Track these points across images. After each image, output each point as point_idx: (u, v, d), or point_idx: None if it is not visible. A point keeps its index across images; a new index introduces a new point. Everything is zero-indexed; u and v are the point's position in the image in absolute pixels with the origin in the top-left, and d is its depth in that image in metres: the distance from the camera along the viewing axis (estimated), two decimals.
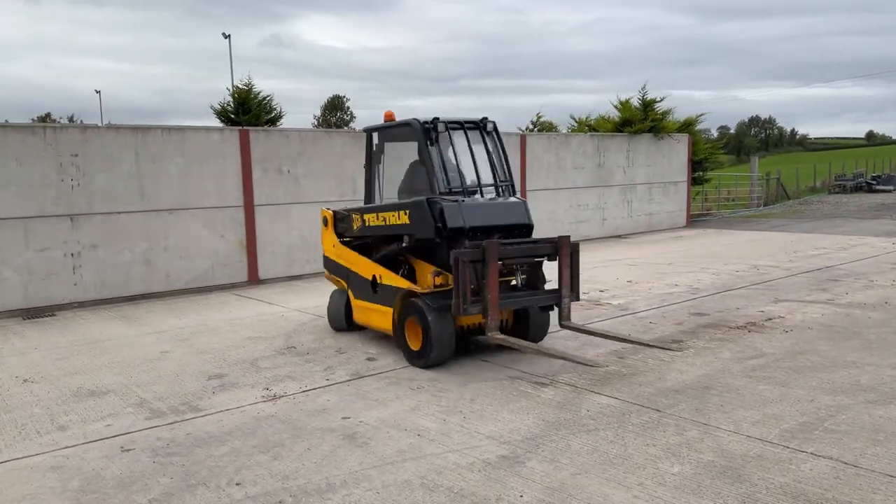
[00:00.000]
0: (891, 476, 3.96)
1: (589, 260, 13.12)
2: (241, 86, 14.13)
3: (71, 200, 9.84)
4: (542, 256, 6.55)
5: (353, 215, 7.47)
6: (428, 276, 6.59)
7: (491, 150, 6.89)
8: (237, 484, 4.11)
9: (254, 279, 11.52)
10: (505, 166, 6.94)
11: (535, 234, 6.98)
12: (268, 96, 14.21)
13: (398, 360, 6.62)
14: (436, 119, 6.57)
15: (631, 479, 4.03)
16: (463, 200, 6.36)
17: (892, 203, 25.91)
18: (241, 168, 11.29)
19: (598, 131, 18.69)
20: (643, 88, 19.29)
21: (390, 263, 7.09)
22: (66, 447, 4.77)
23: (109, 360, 7.03)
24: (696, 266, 12.07)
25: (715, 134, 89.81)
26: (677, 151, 19.48)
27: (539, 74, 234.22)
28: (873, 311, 8.12)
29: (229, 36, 48.98)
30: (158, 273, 10.63)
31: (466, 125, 6.83)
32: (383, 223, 6.97)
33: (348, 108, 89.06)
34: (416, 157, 6.76)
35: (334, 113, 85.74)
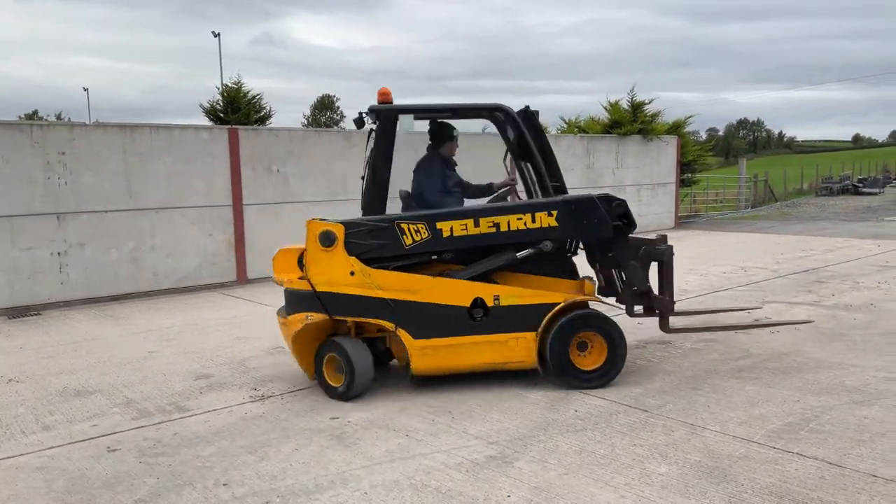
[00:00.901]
0: (874, 476, 3.99)
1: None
2: (230, 84, 14.10)
3: (58, 199, 9.76)
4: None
5: (406, 225, 5.61)
6: (586, 282, 5.98)
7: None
8: (224, 484, 4.09)
9: (242, 279, 11.48)
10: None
11: None
12: (257, 95, 14.18)
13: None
14: (527, 107, 5.93)
15: (618, 479, 4.05)
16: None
17: (877, 206, 26.15)
18: (229, 167, 11.25)
19: (587, 133, 18.76)
20: (632, 90, 19.38)
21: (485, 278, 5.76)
22: (51, 447, 4.73)
23: (96, 359, 6.98)
24: (684, 267, 12.12)
25: (704, 136, 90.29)
26: (666, 153, 19.58)
27: (531, 75, 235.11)
28: (859, 313, 8.19)
29: (219, 34, 48.83)
30: (146, 272, 10.57)
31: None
32: (493, 230, 5.59)
33: (338, 107, 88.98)
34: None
35: (324, 112, 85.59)
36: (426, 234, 5.60)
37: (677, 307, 6.42)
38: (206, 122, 13.75)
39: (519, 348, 5.63)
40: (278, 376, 6.23)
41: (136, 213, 10.43)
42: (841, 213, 23.46)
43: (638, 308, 6.12)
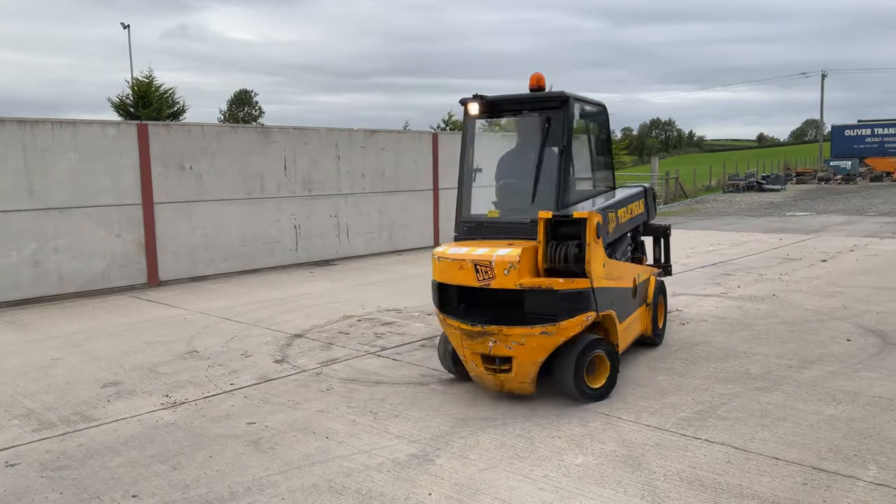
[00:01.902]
0: (776, 459, 4.21)
1: None
2: (141, 78, 13.56)
3: None
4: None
5: (612, 213, 5.82)
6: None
7: None
8: (133, 496, 3.91)
9: (154, 281, 11.04)
10: None
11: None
12: (170, 89, 13.76)
13: (308, 362, 6.50)
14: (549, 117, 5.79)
15: (537, 471, 4.11)
16: None
17: (779, 201, 27.65)
18: (139, 164, 10.79)
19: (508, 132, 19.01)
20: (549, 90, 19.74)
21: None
22: None
23: None
24: None
25: (619, 135, 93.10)
26: None
27: (453, 73, 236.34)
28: (762, 304, 8.62)
29: (128, 26, 46.70)
30: (50, 275, 10.02)
31: None
32: (631, 215, 6.41)
33: (256, 102, 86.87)
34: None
35: (241, 108, 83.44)
36: (615, 222, 5.95)
37: None
38: (115, 117, 13.16)
39: (644, 319, 6.50)
40: (192, 381, 6.01)
41: (37, 214, 9.86)
42: (746, 208, 24.67)
43: None
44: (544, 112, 5.56)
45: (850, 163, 44.43)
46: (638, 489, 3.86)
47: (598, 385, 5.29)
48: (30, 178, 9.75)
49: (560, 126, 5.46)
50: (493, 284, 4.98)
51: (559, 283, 4.99)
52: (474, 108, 5.76)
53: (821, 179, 41.76)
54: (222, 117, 76.21)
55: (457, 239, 5.71)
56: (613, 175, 6.78)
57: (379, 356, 6.65)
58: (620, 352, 5.71)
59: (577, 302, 5.05)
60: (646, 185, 7.18)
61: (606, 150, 6.63)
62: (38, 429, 4.99)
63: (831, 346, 6.68)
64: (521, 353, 5.03)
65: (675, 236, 16.33)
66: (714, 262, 12.08)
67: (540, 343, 5.00)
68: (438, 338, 6.09)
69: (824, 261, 11.99)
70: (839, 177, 41.75)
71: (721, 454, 4.29)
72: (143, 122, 11.34)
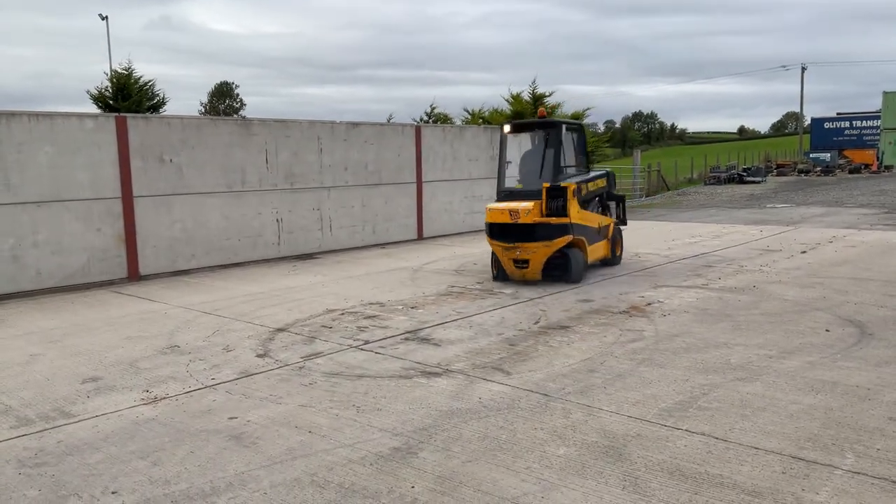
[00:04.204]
0: (756, 448, 4.25)
1: (476, 251, 13.36)
2: (120, 70, 13.38)
3: None
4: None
5: (584, 185, 10.22)
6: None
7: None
8: (113, 492, 3.88)
9: (134, 275, 10.93)
10: None
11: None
12: (150, 81, 13.57)
13: (291, 356, 6.47)
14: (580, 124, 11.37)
15: (519, 463, 4.13)
16: None
17: (760, 193, 27.88)
18: (118, 157, 10.66)
19: (491, 124, 18.99)
20: (533, 83, 19.85)
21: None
22: None
23: None
24: None
25: (602, 128, 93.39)
26: None
27: (438, 66, 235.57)
28: (743, 295, 8.70)
29: (106, 17, 46.07)
30: (28, 270, 9.88)
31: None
32: (597, 187, 10.74)
33: (238, 94, 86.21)
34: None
35: (223, 100, 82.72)
36: (586, 190, 10.28)
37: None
38: (94, 109, 12.99)
39: (605, 248, 10.84)
40: (173, 376, 5.97)
41: (15, 208, 9.71)
42: (727, 200, 24.86)
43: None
44: (546, 130, 10.00)
45: (829, 155, 44.85)
46: (619, 480, 3.89)
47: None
48: (6, 172, 9.60)
49: (555, 137, 9.83)
50: (519, 220, 9.37)
51: (553, 221, 9.34)
52: (507, 128, 10.40)
53: (801, 171, 42.17)
54: (203, 110, 75.50)
55: (497, 200, 9.98)
56: (588, 163, 11.12)
57: (362, 350, 6.63)
58: (588, 262, 10.13)
59: (562, 230, 9.42)
60: (608, 169, 11.91)
61: (582, 150, 10.85)
62: (16, 426, 4.93)
63: (810, 336, 6.75)
64: (533, 257, 9.53)
65: (657, 228, 16.50)
66: (695, 254, 12.17)
67: (543, 251, 9.48)
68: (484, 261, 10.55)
69: (804, 252, 12.12)
70: (818, 169, 42.18)
71: (702, 444, 4.33)
72: (122, 114, 11.20)
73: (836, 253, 11.97)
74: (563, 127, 9.88)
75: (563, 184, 9.34)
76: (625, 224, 11.65)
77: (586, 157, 10.98)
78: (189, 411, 5.13)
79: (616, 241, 11.15)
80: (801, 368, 5.76)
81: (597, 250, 10.40)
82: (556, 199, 9.23)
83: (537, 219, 9.26)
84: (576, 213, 9.50)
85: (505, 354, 6.37)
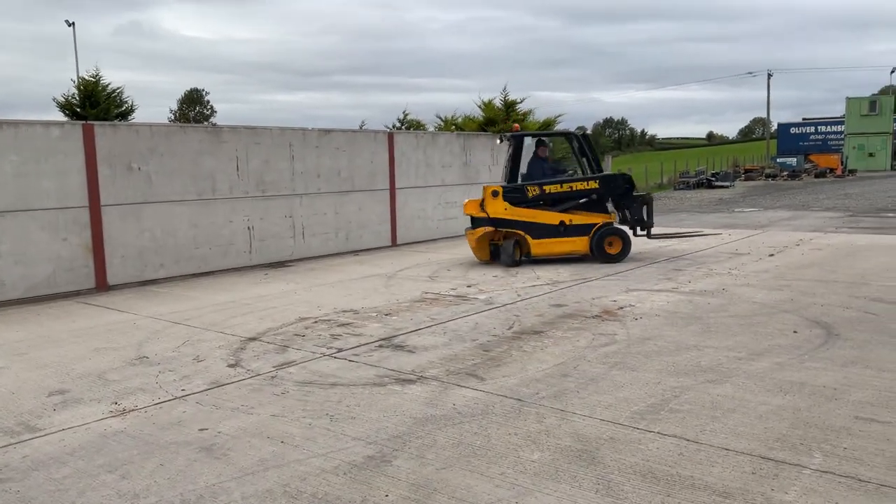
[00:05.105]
0: (726, 449, 4.30)
1: (450, 258, 13.35)
2: (87, 77, 13.18)
3: None
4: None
5: (529, 187, 11.93)
6: (612, 215, 12.28)
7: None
8: None
9: (102, 286, 10.74)
10: None
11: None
12: (118, 88, 13.40)
13: (263, 366, 6.41)
14: (584, 128, 12.69)
15: (493, 469, 4.13)
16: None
17: (728, 198, 28.32)
18: (85, 165, 10.48)
19: (464, 130, 19.05)
20: (504, 90, 19.95)
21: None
22: None
23: None
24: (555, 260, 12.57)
25: None
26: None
27: (412, 72, 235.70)
28: (712, 298, 8.82)
29: (73, 23, 45.40)
30: None
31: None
32: (569, 189, 12.05)
33: (208, 101, 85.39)
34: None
35: (193, 107, 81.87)
36: (538, 191, 11.88)
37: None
38: (61, 117, 12.77)
39: (580, 243, 11.90)
40: (142, 388, 5.87)
41: None
42: (697, 205, 25.21)
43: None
44: (512, 141, 12.34)
45: (795, 160, 45.78)
46: (593, 483, 3.91)
47: (524, 253, 11.89)
48: None
49: (517, 148, 12.24)
50: (465, 212, 12.40)
51: (481, 214, 12.01)
52: (507, 138, 12.54)
53: (768, 176, 42.94)
54: (173, 117, 74.67)
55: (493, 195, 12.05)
56: (592, 168, 12.31)
57: (335, 358, 6.59)
58: (539, 255, 11.93)
59: (483, 223, 12.01)
60: (620, 171, 13.88)
61: (584, 155, 12.39)
62: None
63: (779, 338, 6.86)
64: (477, 241, 12.13)
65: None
66: (665, 258, 12.31)
67: (481, 236, 12.06)
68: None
69: (772, 255, 12.32)
70: (785, 173, 43.00)
71: (673, 446, 4.37)
72: (89, 122, 11.03)
73: (802, 256, 12.19)
74: (526, 139, 12.35)
75: (495, 187, 12.03)
76: (645, 225, 12.36)
77: (591, 162, 12.27)
78: (158, 423, 5.04)
79: (607, 239, 11.94)
80: (770, 370, 5.85)
81: (555, 245, 11.91)
82: (493, 198, 11.81)
83: (474, 212, 12.02)
84: (502, 210, 11.68)
85: (479, 360, 6.37)
